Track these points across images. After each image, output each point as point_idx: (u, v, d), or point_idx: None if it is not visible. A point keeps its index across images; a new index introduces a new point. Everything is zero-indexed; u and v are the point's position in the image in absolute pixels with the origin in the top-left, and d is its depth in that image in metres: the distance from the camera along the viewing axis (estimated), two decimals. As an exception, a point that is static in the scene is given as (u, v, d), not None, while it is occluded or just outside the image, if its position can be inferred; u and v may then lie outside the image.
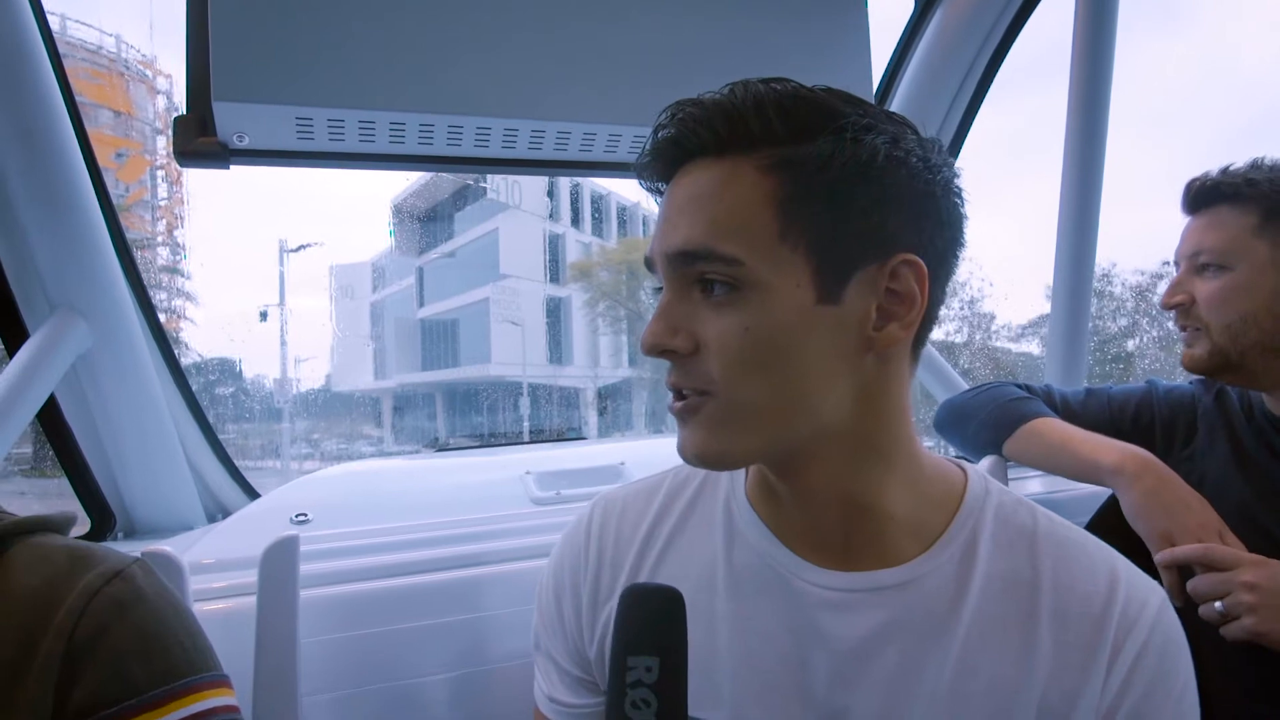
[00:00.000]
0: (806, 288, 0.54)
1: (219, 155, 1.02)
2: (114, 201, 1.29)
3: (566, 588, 0.70)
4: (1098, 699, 0.56)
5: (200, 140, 1.01)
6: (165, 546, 0.81)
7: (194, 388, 1.45)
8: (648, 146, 0.59)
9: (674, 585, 0.63)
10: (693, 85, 1.11)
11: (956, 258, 0.59)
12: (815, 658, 0.59)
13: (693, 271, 0.55)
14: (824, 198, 0.54)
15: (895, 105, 1.51)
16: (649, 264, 0.60)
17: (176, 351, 1.40)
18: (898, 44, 1.53)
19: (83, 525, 1.32)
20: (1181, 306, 0.97)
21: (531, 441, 2.15)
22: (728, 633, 0.61)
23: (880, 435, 0.58)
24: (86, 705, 0.54)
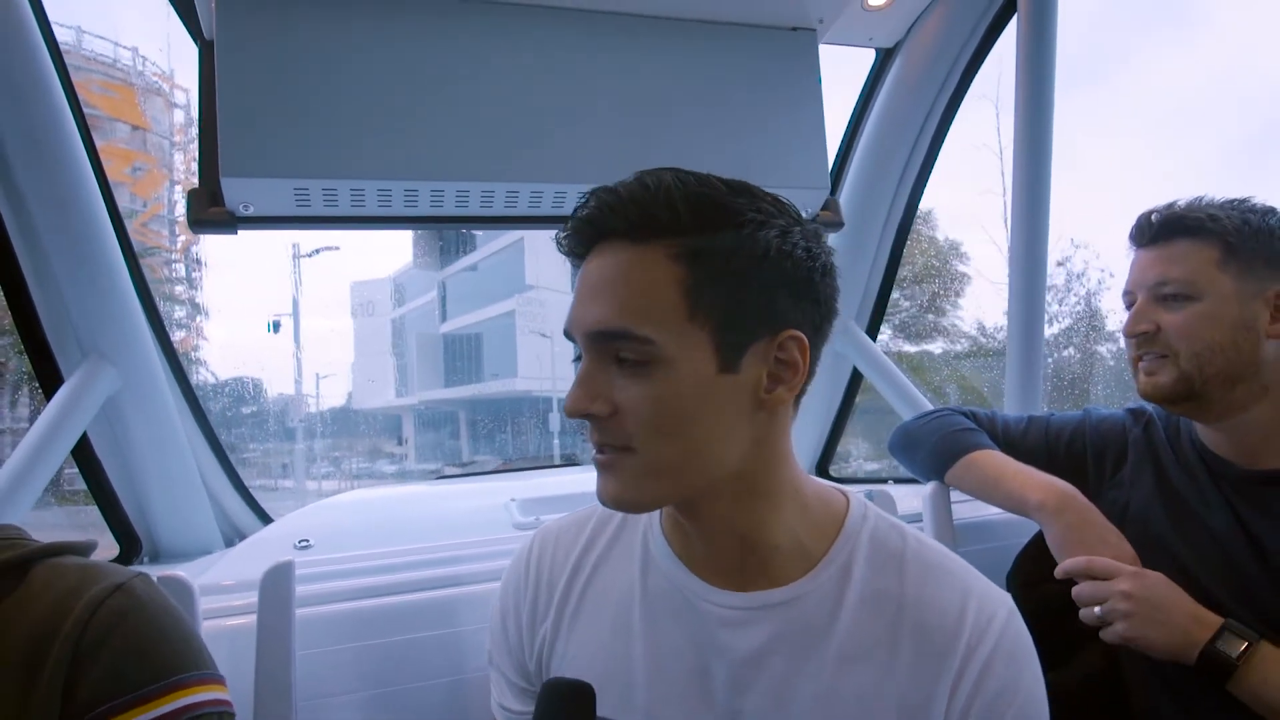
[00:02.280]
0: (709, 361, 0.65)
1: (228, 223, 1.21)
2: (130, 217, 1.48)
3: (510, 610, 0.83)
4: (948, 700, 0.67)
5: (211, 210, 1.20)
6: (179, 571, 0.99)
7: (216, 408, 1.64)
8: (568, 226, 0.70)
9: (599, 606, 0.79)
10: (658, 144, 1.28)
11: (831, 326, 0.73)
12: (715, 667, 0.71)
13: (610, 348, 0.66)
14: (726, 284, 0.65)
15: (859, 152, 1.67)
16: (568, 334, 0.71)
17: (198, 372, 1.59)
18: (860, 95, 1.69)
19: (112, 550, 1.52)
20: (1147, 334, 1.05)
21: (543, 466, 2.33)
22: (642, 647, 0.74)
23: (766, 477, 0.71)
24: (88, 702, 0.66)
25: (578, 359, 0.70)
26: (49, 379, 1.39)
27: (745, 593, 0.72)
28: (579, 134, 1.25)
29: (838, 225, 1.47)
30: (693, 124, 1.32)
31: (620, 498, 0.68)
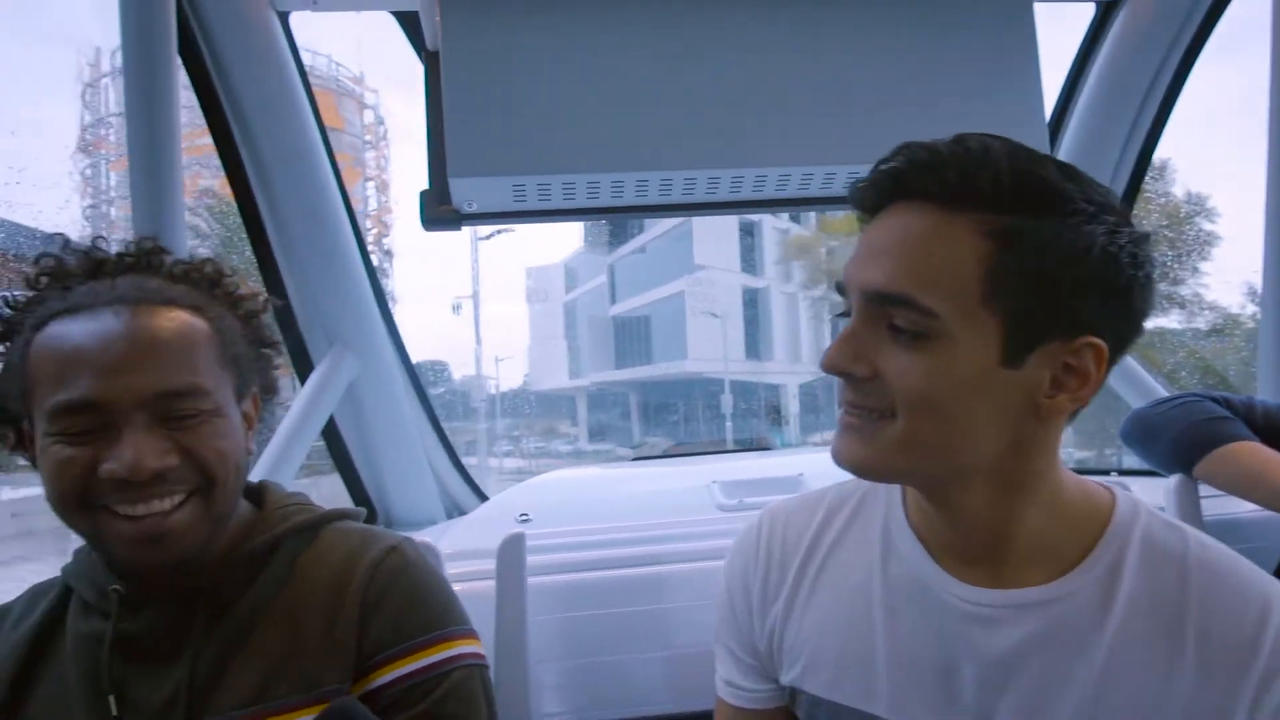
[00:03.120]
0: (993, 349, 0.61)
1: (454, 220, 1.34)
2: None
3: (739, 589, 0.84)
4: (1247, 718, 0.62)
5: (440, 209, 1.34)
6: (427, 538, 1.13)
7: None
8: (868, 175, 0.67)
9: (835, 590, 0.78)
10: (869, 123, 1.28)
11: (1134, 342, 0.66)
12: (964, 666, 0.69)
13: (884, 312, 0.63)
14: (1034, 275, 0.60)
15: (1078, 112, 1.57)
16: (840, 288, 0.68)
17: None
18: (1078, 51, 1.58)
19: (354, 519, 1.74)
20: None
21: (736, 450, 2.40)
22: (884, 636, 0.73)
23: (1026, 476, 0.67)
24: (374, 647, 0.78)
25: (843, 315, 0.68)
26: (302, 366, 1.61)
27: (997, 590, 0.69)
28: (785, 116, 1.26)
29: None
30: (905, 91, 1.28)
31: (861, 462, 0.66)
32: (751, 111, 1.28)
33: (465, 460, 1.88)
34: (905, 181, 0.64)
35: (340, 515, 0.91)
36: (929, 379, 0.62)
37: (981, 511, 0.68)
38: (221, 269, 0.87)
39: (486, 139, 1.27)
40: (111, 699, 0.73)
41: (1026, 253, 0.60)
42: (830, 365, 0.65)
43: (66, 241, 0.84)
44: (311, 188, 1.49)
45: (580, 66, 1.26)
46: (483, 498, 1.84)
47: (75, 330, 0.73)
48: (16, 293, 0.80)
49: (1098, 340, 0.62)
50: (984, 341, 0.61)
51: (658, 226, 14.93)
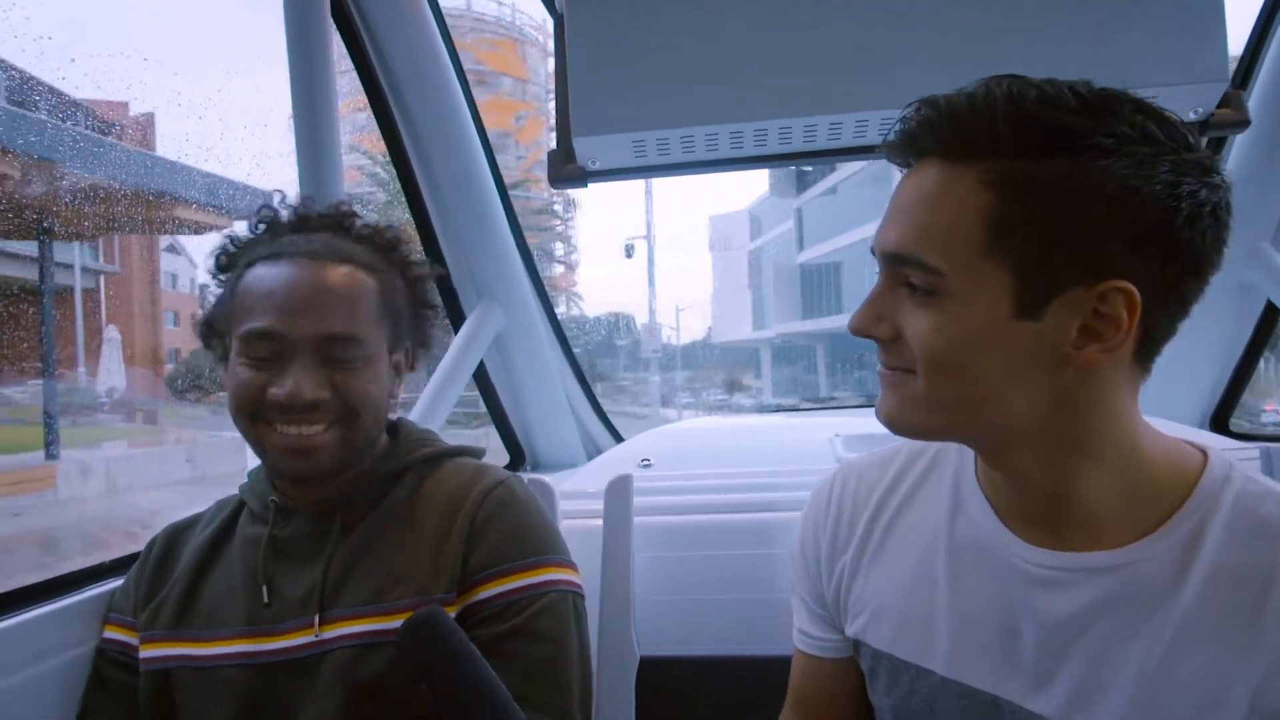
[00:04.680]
0: (1004, 302, 0.62)
1: (579, 177, 1.46)
2: (518, 164, 1.82)
3: (809, 540, 0.88)
4: None
5: (566, 167, 1.46)
6: (545, 477, 1.27)
7: (593, 340, 2.01)
8: (889, 137, 0.68)
9: (901, 547, 0.81)
10: (1016, 43, 1.22)
11: (1201, 283, 0.63)
12: (1025, 628, 0.70)
13: (900, 272, 0.66)
14: (1041, 221, 0.60)
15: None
16: (873, 251, 0.71)
17: (577, 305, 1.96)
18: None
19: (504, 458, 1.96)
20: None
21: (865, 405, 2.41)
22: (946, 595, 0.75)
23: (1084, 436, 0.66)
24: (478, 566, 0.92)
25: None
26: (455, 317, 1.82)
27: (1064, 552, 0.68)
28: (913, 57, 1.24)
29: (1242, 124, 1.28)
30: (1052, 28, 1.21)
31: (893, 419, 0.69)
32: (874, 53, 1.27)
33: (642, 410, 2.04)
34: (916, 139, 0.66)
35: (461, 451, 1.07)
36: (940, 336, 0.63)
37: (1035, 472, 0.68)
38: (400, 236, 1.05)
39: (607, 97, 1.36)
40: (264, 589, 0.93)
41: (1029, 198, 0.60)
42: (855, 327, 0.69)
43: (283, 197, 1.04)
44: (461, 153, 1.67)
45: (695, 20, 1.32)
46: (619, 440, 2.00)
47: (272, 273, 0.92)
48: (238, 234, 1.01)
49: (1125, 284, 0.60)
50: (993, 295, 0.62)
51: (849, 166, 14.38)
